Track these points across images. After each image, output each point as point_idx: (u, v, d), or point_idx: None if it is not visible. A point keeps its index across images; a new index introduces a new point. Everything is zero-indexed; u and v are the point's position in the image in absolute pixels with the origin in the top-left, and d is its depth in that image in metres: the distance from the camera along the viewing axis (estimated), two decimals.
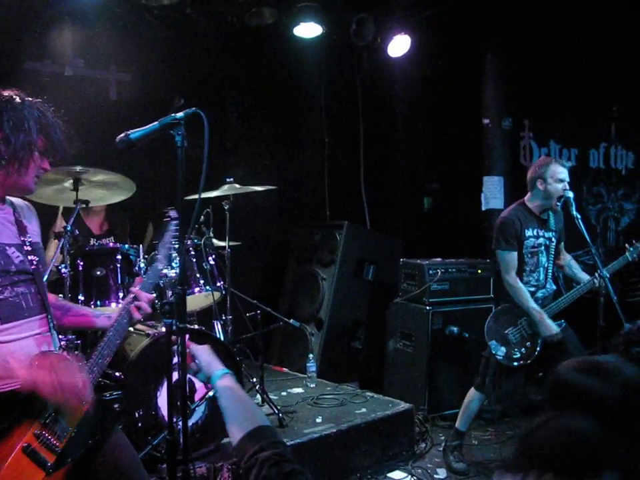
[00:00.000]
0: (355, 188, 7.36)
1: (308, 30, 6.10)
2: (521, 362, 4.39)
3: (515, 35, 6.28)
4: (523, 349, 4.39)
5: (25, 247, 2.42)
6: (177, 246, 2.70)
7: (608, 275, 4.17)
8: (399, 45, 6.50)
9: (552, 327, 4.33)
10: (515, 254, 4.44)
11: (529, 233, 4.46)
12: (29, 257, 2.41)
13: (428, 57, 6.66)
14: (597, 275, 4.21)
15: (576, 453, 1.10)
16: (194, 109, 2.02)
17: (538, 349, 4.36)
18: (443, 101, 6.81)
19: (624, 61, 5.93)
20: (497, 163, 6.54)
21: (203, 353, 2.02)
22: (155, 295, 2.57)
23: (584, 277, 4.49)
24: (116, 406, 2.44)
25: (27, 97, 2.34)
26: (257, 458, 1.55)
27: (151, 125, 2.14)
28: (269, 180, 5.28)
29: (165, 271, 4.25)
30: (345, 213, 7.02)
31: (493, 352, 4.41)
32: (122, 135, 2.21)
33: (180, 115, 2.05)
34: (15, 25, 5.12)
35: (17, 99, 2.31)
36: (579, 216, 4.29)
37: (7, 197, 2.48)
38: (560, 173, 4.40)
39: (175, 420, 2.30)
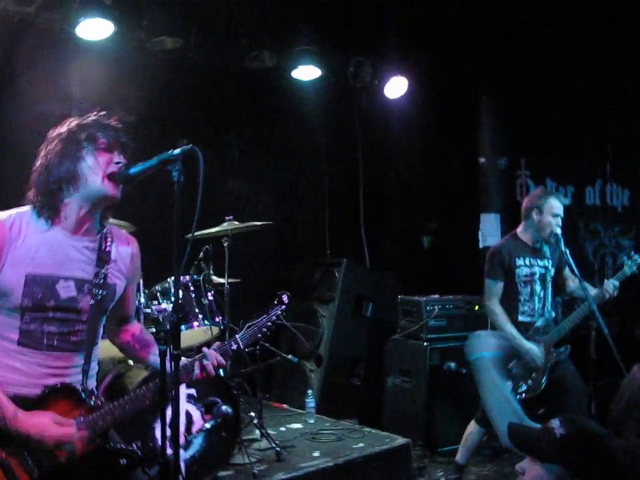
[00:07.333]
0: (354, 226, 7.44)
1: (307, 72, 6.21)
2: (529, 394, 4.37)
3: (509, 76, 6.44)
4: (530, 380, 4.39)
5: (94, 280, 2.38)
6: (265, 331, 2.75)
7: (614, 285, 4.35)
8: (396, 87, 6.62)
9: (533, 351, 4.34)
10: (501, 284, 4.51)
11: (519, 262, 4.52)
12: (93, 292, 2.37)
13: (424, 98, 6.79)
14: (604, 285, 4.35)
15: None
16: (190, 145, 2.11)
17: (544, 378, 4.36)
18: (440, 140, 6.94)
19: (617, 100, 6.06)
20: (493, 201, 6.66)
21: None
22: (228, 362, 2.42)
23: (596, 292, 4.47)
24: (122, 461, 2.38)
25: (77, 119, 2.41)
26: None
27: (149, 160, 2.24)
28: (269, 218, 5.37)
29: (164, 305, 4.34)
30: (345, 250, 7.11)
31: None
32: (121, 168, 2.31)
33: (177, 151, 2.15)
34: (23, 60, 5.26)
35: (63, 129, 2.39)
36: (567, 250, 4.37)
37: (109, 228, 2.49)
38: (557, 208, 4.48)
39: (168, 450, 2.26)
